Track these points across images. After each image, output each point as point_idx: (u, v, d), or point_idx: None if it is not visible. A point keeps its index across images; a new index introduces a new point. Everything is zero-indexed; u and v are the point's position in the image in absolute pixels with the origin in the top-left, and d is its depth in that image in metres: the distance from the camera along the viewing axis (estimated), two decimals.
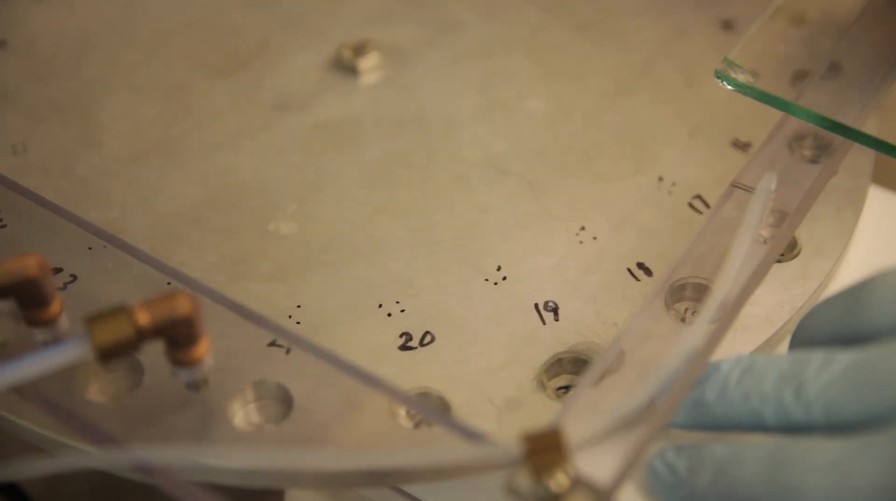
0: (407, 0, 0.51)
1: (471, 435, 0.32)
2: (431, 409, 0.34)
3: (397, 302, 0.39)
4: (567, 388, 0.37)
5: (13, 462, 0.30)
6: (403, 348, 0.38)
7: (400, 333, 0.38)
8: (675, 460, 0.33)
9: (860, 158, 0.43)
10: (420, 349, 0.38)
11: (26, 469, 0.30)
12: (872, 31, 0.42)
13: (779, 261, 0.39)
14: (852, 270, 0.41)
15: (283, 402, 0.34)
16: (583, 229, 0.42)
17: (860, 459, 0.30)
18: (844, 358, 0.32)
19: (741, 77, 0.40)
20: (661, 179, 0.43)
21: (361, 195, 0.43)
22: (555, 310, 0.39)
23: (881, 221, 0.42)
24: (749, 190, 0.38)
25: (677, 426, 0.34)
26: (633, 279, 0.40)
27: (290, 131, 0.46)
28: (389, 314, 0.39)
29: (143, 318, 0.31)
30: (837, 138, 0.39)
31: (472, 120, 0.46)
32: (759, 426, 0.33)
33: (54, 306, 0.34)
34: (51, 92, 0.47)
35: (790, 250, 0.40)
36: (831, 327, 0.33)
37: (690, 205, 0.42)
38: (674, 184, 0.43)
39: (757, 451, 0.32)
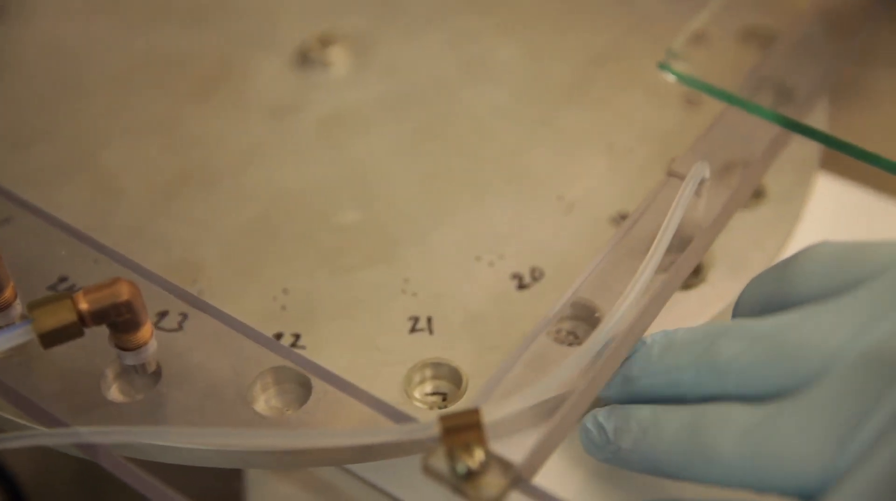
0: None
1: (391, 414, 0.33)
2: (365, 393, 0.34)
3: (492, 251, 0.42)
4: None
5: None
6: (520, 287, 0.41)
7: (510, 275, 0.41)
8: (604, 420, 0.34)
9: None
10: (535, 284, 0.41)
11: None
12: (822, 21, 0.44)
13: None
14: None
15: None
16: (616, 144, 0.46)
17: (771, 426, 0.31)
18: (757, 328, 0.33)
19: (685, 68, 0.40)
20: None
21: (401, 171, 0.45)
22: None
23: (830, 207, 0.44)
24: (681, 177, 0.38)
25: (611, 400, 0.36)
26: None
27: (299, 133, 0.47)
28: (491, 264, 0.41)
29: (85, 304, 0.32)
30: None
31: (459, 80, 0.48)
32: (679, 399, 0.34)
33: (7, 293, 0.35)
34: (38, 157, 0.46)
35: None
36: (764, 298, 0.35)
37: (688, 100, 0.47)
38: (666, 86, 0.48)
39: (676, 415, 0.33)
